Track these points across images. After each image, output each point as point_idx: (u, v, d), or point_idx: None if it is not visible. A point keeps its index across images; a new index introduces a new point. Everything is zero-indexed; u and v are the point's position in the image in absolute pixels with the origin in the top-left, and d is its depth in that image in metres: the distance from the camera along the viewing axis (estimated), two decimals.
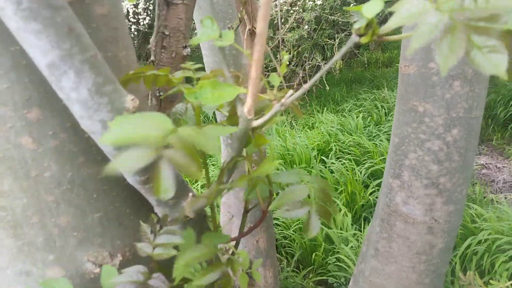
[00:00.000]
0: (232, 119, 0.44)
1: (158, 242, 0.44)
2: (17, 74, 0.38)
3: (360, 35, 0.33)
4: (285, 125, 4.11)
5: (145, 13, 5.85)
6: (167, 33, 0.66)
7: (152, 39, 0.68)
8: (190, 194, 0.44)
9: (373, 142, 3.16)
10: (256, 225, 0.52)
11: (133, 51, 0.52)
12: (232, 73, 0.45)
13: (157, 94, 0.71)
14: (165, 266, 0.49)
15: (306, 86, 0.37)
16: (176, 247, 0.45)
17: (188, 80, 0.53)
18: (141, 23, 5.88)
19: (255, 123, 0.39)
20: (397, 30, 0.32)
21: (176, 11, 0.64)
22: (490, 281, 1.51)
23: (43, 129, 0.41)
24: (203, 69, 0.51)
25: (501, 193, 2.75)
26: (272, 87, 0.45)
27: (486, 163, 3.18)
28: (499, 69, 0.21)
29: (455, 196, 1.12)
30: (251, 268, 0.57)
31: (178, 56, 0.68)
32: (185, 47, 0.67)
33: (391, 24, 0.25)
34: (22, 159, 0.41)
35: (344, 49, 0.34)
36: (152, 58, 0.70)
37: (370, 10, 0.28)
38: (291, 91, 0.36)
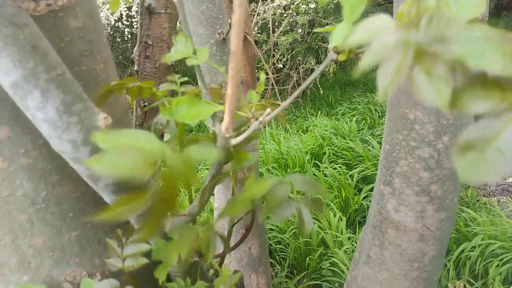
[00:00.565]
0: (215, 136, 0.43)
1: (126, 253, 0.42)
2: None
3: (338, 53, 0.32)
4: (280, 129, 4.10)
5: (138, 16, 5.82)
6: (150, 42, 0.65)
7: (135, 49, 0.67)
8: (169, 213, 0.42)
9: (365, 146, 3.16)
10: (238, 244, 0.51)
11: (112, 63, 0.51)
12: (214, 89, 0.44)
13: (142, 104, 0.69)
14: (143, 277, 0.48)
15: (284, 104, 0.35)
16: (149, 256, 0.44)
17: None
18: (135, 26, 5.86)
19: (234, 141, 0.37)
20: None
21: (159, 20, 0.63)
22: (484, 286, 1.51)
23: (14, 147, 0.39)
24: (189, 82, 0.49)
25: (494, 196, 2.75)
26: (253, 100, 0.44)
27: None
28: (442, 98, 0.20)
29: (446, 204, 1.12)
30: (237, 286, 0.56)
31: (162, 66, 0.66)
32: None
33: (351, 41, 0.24)
34: None
35: (321, 66, 0.33)
36: (135, 67, 0.69)
37: (337, 36, 0.26)
38: (269, 110, 0.35)
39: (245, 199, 0.36)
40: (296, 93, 0.36)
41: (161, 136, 0.70)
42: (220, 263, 0.56)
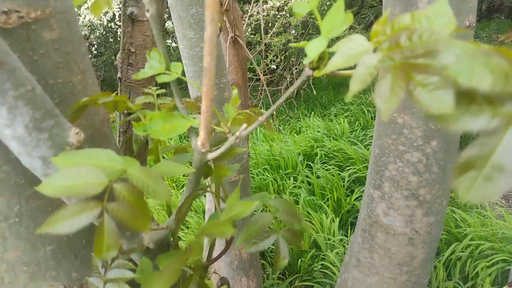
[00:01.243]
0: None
1: (109, 277, 0.42)
2: None
3: (313, 69, 0.32)
4: (273, 129, 4.09)
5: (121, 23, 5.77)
6: (133, 50, 0.64)
7: (118, 56, 0.66)
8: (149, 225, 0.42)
9: (358, 146, 3.16)
10: (219, 255, 0.50)
11: (92, 72, 0.50)
12: (191, 102, 0.43)
13: (126, 112, 0.68)
14: None
15: (261, 119, 0.35)
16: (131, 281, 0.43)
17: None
18: None
19: (210, 155, 0.37)
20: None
21: (141, 28, 0.62)
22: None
23: None
24: (166, 94, 0.49)
25: None
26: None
27: None
28: (446, 106, 0.20)
29: (435, 208, 1.12)
30: None
31: None
32: None
33: (331, 65, 0.24)
34: None
35: (298, 82, 0.32)
36: (119, 75, 0.68)
37: (313, 50, 0.26)
38: (245, 125, 0.34)
39: (226, 221, 0.35)
40: (274, 107, 0.36)
41: (146, 143, 0.69)
42: (203, 275, 0.55)
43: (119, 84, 0.69)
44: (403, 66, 0.22)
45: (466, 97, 0.22)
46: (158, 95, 0.46)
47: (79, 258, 0.47)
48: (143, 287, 0.39)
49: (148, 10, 0.31)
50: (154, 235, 0.44)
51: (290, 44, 0.29)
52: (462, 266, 1.96)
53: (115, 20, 6.07)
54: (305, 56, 0.30)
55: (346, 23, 0.26)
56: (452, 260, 1.99)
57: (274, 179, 2.89)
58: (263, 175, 2.99)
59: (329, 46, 0.29)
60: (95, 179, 0.25)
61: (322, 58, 0.30)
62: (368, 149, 3.10)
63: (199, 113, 0.50)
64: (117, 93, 0.76)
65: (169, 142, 3.81)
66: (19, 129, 0.31)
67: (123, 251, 0.42)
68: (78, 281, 0.48)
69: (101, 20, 5.92)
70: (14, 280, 0.43)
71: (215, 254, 0.55)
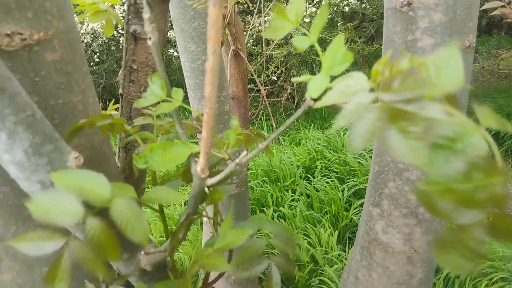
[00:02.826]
0: (187, 174, 0.42)
1: None
2: None
3: (315, 100, 0.32)
4: (273, 141, 4.09)
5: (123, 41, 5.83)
6: (135, 67, 0.64)
7: (120, 73, 0.66)
8: (142, 252, 0.41)
9: (358, 160, 3.16)
10: (215, 280, 0.50)
11: (92, 91, 0.50)
12: (188, 124, 0.43)
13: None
14: None
15: (261, 146, 0.35)
16: None
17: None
18: None
19: (210, 181, 0.37)
20: None
21: (144, 46, 0.62)
22: None
23: None
24: (164, 114, 0.49)
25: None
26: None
27: None
28: (418, 157, 0.20)
29: (434, 226, 1.11)
30: None
31: (146, 89, 0.66)
32: None
33: (325, 100, 0.24)
34: None
35: (298, 112, 0.32)
36: (120, 91, 0.68)
37: (315, 88, 0.26)
38: (245, 152, 0.34)
39: (219, 252, 0.35)
40: (274, 135, 0.35)
41: None
42: None
43: (120, 100, 0.69)
44: (387, 108, 0.22)
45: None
46: (157, 116, 0.46)
47: (75, 279, 0.46)
48: None
49: (150, 38, 0.31)
50: (152, 258, 0.44)
51: (293, 80, 0.29)
52: (461, 284, 1.95)
53: (118, 29, 6.11)
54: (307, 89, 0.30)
55: (346, 61, 0.26)
56: (451, 278, 1.97)
57: (273, 191, 2.88)
58: (262, 186, 2.98)
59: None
60: (73, 209, 0.25)
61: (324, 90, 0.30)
62: (368, 161, 3.10)
63: (197, 133, 0.50)
64: (119, 105, 0.76)
65: None
66: (18, 154, 0.31)
67: (119, 276, 0.42)
68: None
69: (103, 29, 5.96)
70: None
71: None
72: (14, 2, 0.37)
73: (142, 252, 0.42)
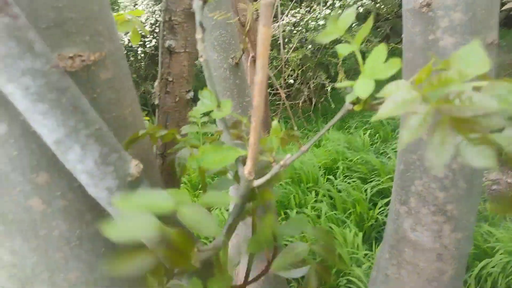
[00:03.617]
0: (237, 175, 0.45)
1: None
2: (25, 141, 0.40)
3: (354, 103, 0.35)
4: (292, 143, 4.11)
5: (151, 36, 5.97)
6: (170, 79, 0.68)
7: (156, 85, 0.70)
8: (195, 249, 0.45)
9: (380, 160, 3.14)
10: (259, 276, 0.53)
11: (137, 104, 0.54)
12: (235, 133, 0.46)
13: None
14: None
15: (304, 149, 0.38)
16: None
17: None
18: (147, 46, 6.00)
19: (256, 183, 0.40)
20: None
21: (178, 59, 0.66)
22: None
23: (51, 191, 0.43)
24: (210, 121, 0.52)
25: None
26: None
27: (497, 179, 3.14)
28: (489, 162, 0.22)
29: (462, 223, 1.11)
30: None
31: (181, 100, 0.70)
32: (188, 91, 0.69)
33: (382, 113, 0.26)
34: (31, 220, 0.43)
35: (338, 115, 0.35)
36: (156, 102, 0.72)
37: (363, 90, 0.29)
38: (288, 155, 0.37)
39: (266, 236, 0.38)
40: (316, 137, 0.38)
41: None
42: None
43: (157, 110, 0.74)
44: (452, 121, 0.24)
45: None
46: (202, 124, 0.49)
47: (132, 279, 0.50)
48: None
49: (201, 56, 0.35)
50: (203, 255, 0.47)
51: (337, 85, 0.32)
52: (493, 281, 1.92)
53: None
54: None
55: (392, 68, 0.29)
56: (483, 276, 1.94)
57: (296, 193, 2.90)
58: (285, 188, 3.00)
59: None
60: (149, 222, 0.29)
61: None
62: (390, 160, 3.08)
63: (238, 137, 0.53)
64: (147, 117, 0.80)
65: None
66: (89, 164, 0.35)
67: (174, 273, 0.45)
68: None
69: (122, 40, 6.13)
70: None
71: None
72: (74, 27, 0.42)
73: (195, 249, 0.45)
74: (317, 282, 0.42)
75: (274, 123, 0.41)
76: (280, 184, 3.06)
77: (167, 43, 0.66)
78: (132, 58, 6.65)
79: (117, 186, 0.37)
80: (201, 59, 0.34)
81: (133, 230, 0.29)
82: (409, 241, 1.18)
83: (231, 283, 0.42)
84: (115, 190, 0.37)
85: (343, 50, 0.34)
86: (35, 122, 0.33)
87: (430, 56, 0.98)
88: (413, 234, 1.17)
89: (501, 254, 1.96)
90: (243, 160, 0.41)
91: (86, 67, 0.43)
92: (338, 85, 0.31)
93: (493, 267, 1.94)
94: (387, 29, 5.63)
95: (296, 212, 2.73)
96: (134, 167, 0.38)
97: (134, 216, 0.30)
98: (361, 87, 0.29)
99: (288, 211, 2.77)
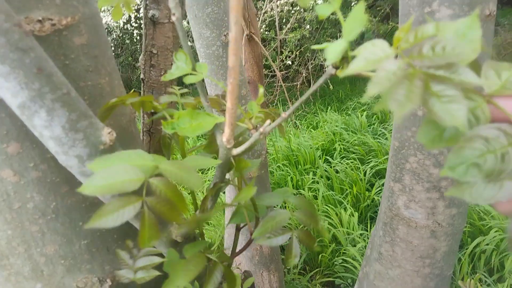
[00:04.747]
0: (211, 146, 0.44)
1: (138, 265, 0.44)
2: None
3: (336, 67, 0.33)
4: (289, 125, 4.10)
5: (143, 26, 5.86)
6: (155, 51, 0.66)
7: (140, 58, 0.68)
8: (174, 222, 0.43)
9: (377, 140, 3.13)
10: (243, 249, 0.52)
11: (118, 75, 0.52)
12: (214, 99, 0.45)
13: (149, 112, 0.70)
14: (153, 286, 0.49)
15: (284, 115, 0.36)
16: (159, 268, 0.45)
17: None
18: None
19: (235, 151, 0.38)
20: None
21: (163, 30, 0.64)
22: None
23: (23, 161, 0.41)
24: (189, 93, 0.50)
25: None
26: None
27: None
28: (458, 119, 0.21)
29: (457, 199, 1.11)
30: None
31: (166, 72, 0.67)
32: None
33: (352, 68, 0.25)
34: (4, 192, 0.41)
35: (320, 81, 0.33)
36: (141, 76, 0.70)
37: (333, 53, 0.27)
38: (268, 121, 0.36)
39: (240, 198, 0.37)
40: (296, 104, 0.37)
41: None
42: (230, 263, 0.57)
43: (142, 85, 0.71)
44: (421, 74, 0.22)
45: None
46: (181, 94, 0.47)
47: (111, 252, 0.49)
48: (170, 276, 0.41)
49: (174, 14, 0.33)
50: (181, 229, 0.46)
51: (313, 47, 0.30)
52: (487, 258, 1.93)
53: (131, 22, 6.16)
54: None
55: (362, 25, 0.27)
56: (477, 253, 1.96)
57: (293, 174, 2.90)
58: (282, 170, 3.00)
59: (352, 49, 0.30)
60: (133, 176, 0.27)
61: (346, 57, 0.31)
62: (387, 141, 3.07)
63: (221, 110, 0.51)
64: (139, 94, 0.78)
65: (187, 142, 3.86)
66: (56, 130, 0.33)
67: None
68: (110, 273, 0.50)
69: (117, 23, 6.02)
70: (52, 272, 0.46)
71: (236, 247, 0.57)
72: None
73: (174, 223, 0.44)
74: (299, 249, 0.41)
75: (260, 90, 0.39)
76: (278, 165, 3.06)
77: (150, 13, 0.63)
78: (128, 41, 6.55)
79: (88, 154, 0.35)
80: (173, 17, 0.32)
81: (115, 182, 0.27)
82: (403, 219, 1.18)
83: (205, 257, 0.41)
84: (86, 158, 0.35)
85: (323, 10, 0.32)
86: None
87: None
88: (407, 211, 1.17)
89: (495, 231, 1.97)
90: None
91: (58, 31, 0.41)
92: (313, 46, 0.29)
93: (487, 244, 1.95)
94: (387, 8, 5.53)
95: (294, 194, 2.73)
96: (107, 134, 0.36)
97: (116, 169, 0.29)
98: (333, 49, 0.27)
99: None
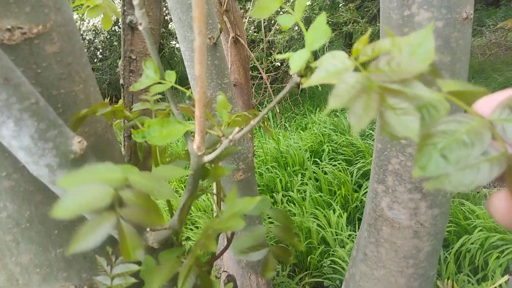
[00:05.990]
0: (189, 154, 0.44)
1: (115, 272, 0.44)
2: None
3: (301, 76, 0.33)
4: (278, 127, 4.11)
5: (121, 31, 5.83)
6: (133, 57, 0.66)
7: (120, 63, 0.68)
8: (148, 229, 0.44)
9: (365, 141, 3.16)
10: (220, 254, 0.52)
11: (93, 81, 0.52)
12: (186, 108, 0.45)
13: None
14: None
15: (253, 123, 0.37)
16: (137, 276, 0.45)
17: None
18: None
19: (206, 158, 0.39)
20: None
21: (141, 35, 0.64)
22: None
23: None
24: (162, 99, 0.50)
25: (494, 187, 2.75)
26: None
27: None
28: (411, 131, 0.22)
29: (439, 200, 1.12)
30: None
31: None
32: None
33: (313, 80, 0.25)
34: None
35: (286, 88, 0.34)
36: (121, 81, 0.70)
37: (296, 62, 0.28)
38: (237, 128, 0.36)
39: (232, 215, 0.37)
40: (265, 111, 0.37)
41: (149, 151, 0.71)
42: (209, 271, 0.57)
43: (122, 90, 0.71)
44: (378, 88, 0.23)
45: None
46: (155, 101, 0.48)
47: (88, 259, 0.49)
48: (146, 283, 0.41)
49: (140, 24, 0.33)
50: (158, 235, 0.46)
51: (276, 56, 0.30)
52: (471, 258, 1.96)
53: (119, 24, 6.11)
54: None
55: (325, 36, 0.28)
56: (462, 252, 1.99)
57: (282, 176, 2.91)
58: (271, 172, 3.00)
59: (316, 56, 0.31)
60: (102, 192, 0.27)
61: (309, 67, 0.32)
62: (373, 144, 3.09)
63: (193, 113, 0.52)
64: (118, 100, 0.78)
65: (170, 147, 3.85)
66: (25, 140, 0.33)
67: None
68: (88, 280, 0.50)
69: (102, 22, 5.97)
70: (28, 281, 0.46)
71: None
72: None
73: (148, 229, 0.44)
74: (275, 263, 0.42)
75: (219, 97, 0.40)
76: (267, 167, 3.06)
77: (128, 18, 0.63)
78: (115, 43, 6.51)
79: (58, 163, 0.35)
80: (140, 27, 0.33)
81: (86, 202, 0.27)
82: (387, 219, 1.19)
83: (179, 260, 0.41)
84: (56, 167, 0.35)
85: (285, 21, 0.33)
86: None
87: (407, 33, 0.97)
88: (390, 212, 1.18)
89: (480, 230, 2.00)
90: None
91: (28, 40, 0.41)
92: (276, 56, 0.30)
93: (472, 243, 1.98)
94: (375, 9, 5.59)
95: (282, 195, 2.74)
96: (77, 143, 0.37)
97: (84, 188, 0.28)
98: (296, 59, 0.28)
99: (274, 194, 2.78)
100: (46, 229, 0.45)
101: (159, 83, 0.36)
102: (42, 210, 0.45)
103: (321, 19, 0.29)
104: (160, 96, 0.48)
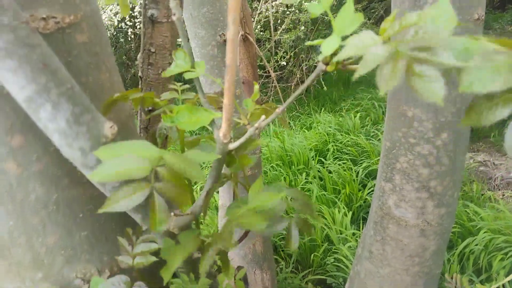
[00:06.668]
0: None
1: (136, 251, 0.46)
2: None
3: (326, 64, 0.35)
4: (283, 126, 4.11)
5: (141, 25, 5.85)
6: (153, 50, 0.67)
7: (139, 56, 0.69)
8: (172, 214, 0.45)
9: (370, 141, 3.17)
10: (242, 239, 0.54)
11: (117, 71, 0.54)
12: (212, 97, 0.46)
13: (146, 109, 0.72)
14: (149, 275, 0.51)
15: (278, 110, 0.38)
16: (156, 255, 0.47)
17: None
18: (138, 27, 5.89)
19: (231, 146, 0.40)
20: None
21: (161, 29, 0.65)
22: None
23: (27, 154, 0.42)
24: (190, 89, 0.52)
25: (499, 190, 2.76)
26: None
27: (484, 160, 3.19)
28: (436, 96, 0.23)
29: (446, 199, 1.13)
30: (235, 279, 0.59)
31: (164, 71, 0.69)
32: (171, 63, 0.68)
33: (343, 55, 0.27)
34: (7, 184, 0.43)
35: (312, 76, 0.35)
36: (139, 74, 0.71)
37: (328, 47, 0.29)
38: (263, 116, 0.37)
39: (253, 211, 0.39)
40: (290, 99, 0.39)
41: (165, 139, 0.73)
42: (223, 259, 0.59)
43: (140, 82, 0.73)
44: (405, 56, 0.25)
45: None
46: (182, 91, 0.49)
47: (110, 242, 0.51)
48: (168, 262, 0.43)
49: (174, 14, 0.34)
50: (178, 220, 0.47)
51: (307, 43, 0.32)
52: (475, 259, 1.97)
53: (126, 20, 6.14)
54: (320, 53, 0.33)
55: (356, 22, 0.29)
56: (466, 254, 1.99)
57: (286, 174, 2.92)
58: (276, 170, 3.02)
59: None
60: (140, 165, 0.29)
61: (335, 54, 0.33)
62: (380, 142, 3.10)
63: (219, 108, 0.53)
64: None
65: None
66: (61, 123, 0.35)
67: (144, 230, 0.46)
68: (109, 264, 0.52)
69: (111, 21, 6.00)
70: (52, 262, 0.48)
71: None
72: None
73: (172, 214, 0.45)
74: (297, 234, 0.43)
75: (255, 86, 0.41)
76: (272, 166, 3.08)
77: (149, 12, 0.65)
78: (122, 40, 6.54)
79: (90, 146, 0.37)
80: (173, 17, 0.34)
81: (125, 170, 0.29)
82: (393, 218, 1.20)
83: (199, 238, 0.43)
84: (89, 151, 0.37)
85: (315, 9, 0.34)
86: (4, 80, 0.33)
87: None
88: (397, 210, 1.19)
89: (484, 232, 2.00)
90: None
91: (61, 29, 0.42)
92: (307, 43, 0.31)
93: (476, 245, 1.98)
94: (381, 10, 5.59)
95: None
96: (108, 128, 0.38)
97: (123, 159, 0.30)
98: (327, 44, 0.29)
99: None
100: (71, 212, 0.47)
101: (189, 71, 0.38)
102: (68, 194, 0.46)
103: (349, 5, 0.31)
104: (187, 86, 0.49)
